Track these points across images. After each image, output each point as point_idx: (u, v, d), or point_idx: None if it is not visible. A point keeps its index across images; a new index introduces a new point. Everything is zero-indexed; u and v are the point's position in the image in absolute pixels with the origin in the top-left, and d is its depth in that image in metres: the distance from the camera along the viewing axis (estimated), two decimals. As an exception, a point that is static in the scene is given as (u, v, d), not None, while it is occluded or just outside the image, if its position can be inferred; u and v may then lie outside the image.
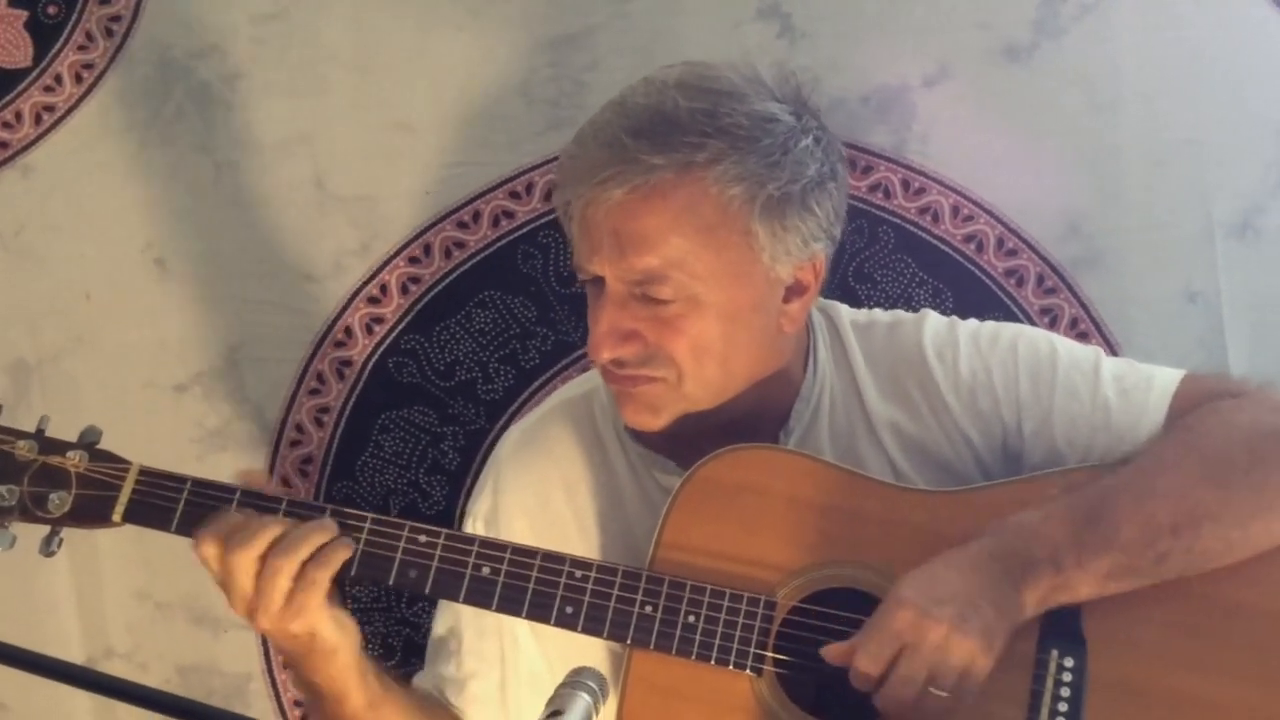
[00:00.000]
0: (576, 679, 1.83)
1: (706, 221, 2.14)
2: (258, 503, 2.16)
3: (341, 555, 2.12)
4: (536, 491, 2.38)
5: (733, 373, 2.22)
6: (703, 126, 2.13)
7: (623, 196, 2.12)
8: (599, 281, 2.20)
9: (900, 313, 2.45)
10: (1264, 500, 2.13)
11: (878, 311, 2.46)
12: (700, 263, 2.15)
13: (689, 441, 2.25)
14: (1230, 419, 2.20)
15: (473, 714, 2.36)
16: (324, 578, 2.10)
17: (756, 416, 2.28)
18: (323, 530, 2.13)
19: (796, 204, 2.17)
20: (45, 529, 2.14)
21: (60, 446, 2.14)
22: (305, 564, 2.10)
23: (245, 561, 2.08)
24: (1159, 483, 2.14)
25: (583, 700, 1.80)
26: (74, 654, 3.03)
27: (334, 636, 2.14)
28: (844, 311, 2.43)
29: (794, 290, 2.24)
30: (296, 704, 3.07)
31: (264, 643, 3.06)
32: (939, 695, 2.01)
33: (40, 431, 2.15)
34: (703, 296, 2.16)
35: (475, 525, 2.39)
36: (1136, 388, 2.27)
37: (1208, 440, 2.18)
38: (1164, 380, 2.28)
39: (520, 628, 2.28)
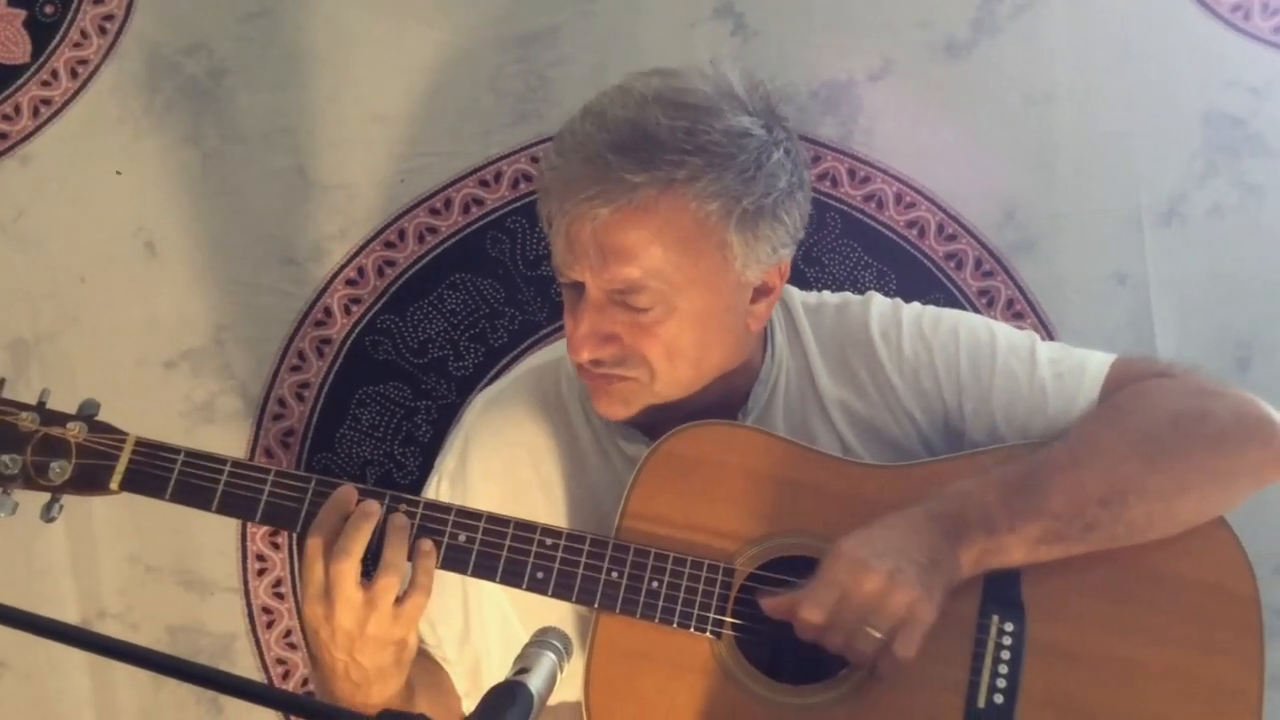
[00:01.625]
0: (542, 638, 1.91)
1: (685, 234, 2.18)
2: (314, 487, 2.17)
3: (429, 552, 2.14)
4: (503, 456, 2.41)
5: (703, 370, 2.27)
6: (682, 144, 2.15)
7: (608, 215, 2.15)
8: (579, 285, 2.23)
9: (848, 295, 2.50)
10: (1186, 477, 2.21)
11: (826, 294, 2.50)
12: (678, 273, 2.18)
13: (652, 420, 2.30)
14: (1157, 400, 2.27)
15: (447, 651, 2.40)
16: (428, 579, 2.12)
17: (719, 402, 2.32)
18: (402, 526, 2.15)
19: (768, 215, 2.22)
20: (46, 496, 2.16)
21: (60, 418, 2.17)
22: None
23: (351, 570, 2.08)
24: (1089, 456, 2.21)
25: (548, 659, 1.88)
26: (69, 615, 3.07)
27: (413, 639, 2.17)
28: (795, 295, 2.48)
29: (761, 291, 2.29)
30: (280, 662, 3.12)
31: (248, 605, 3.12)
32: (872, 634, 2.08)
33: (42, 404, 2.17)
34: (678, 303, 2.20)
35: (441, 483, 2.42)
36: (1071, 371, 2.34)
37: (1135, 419, 2.25)
38: (1097, 364, 2.35)
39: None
